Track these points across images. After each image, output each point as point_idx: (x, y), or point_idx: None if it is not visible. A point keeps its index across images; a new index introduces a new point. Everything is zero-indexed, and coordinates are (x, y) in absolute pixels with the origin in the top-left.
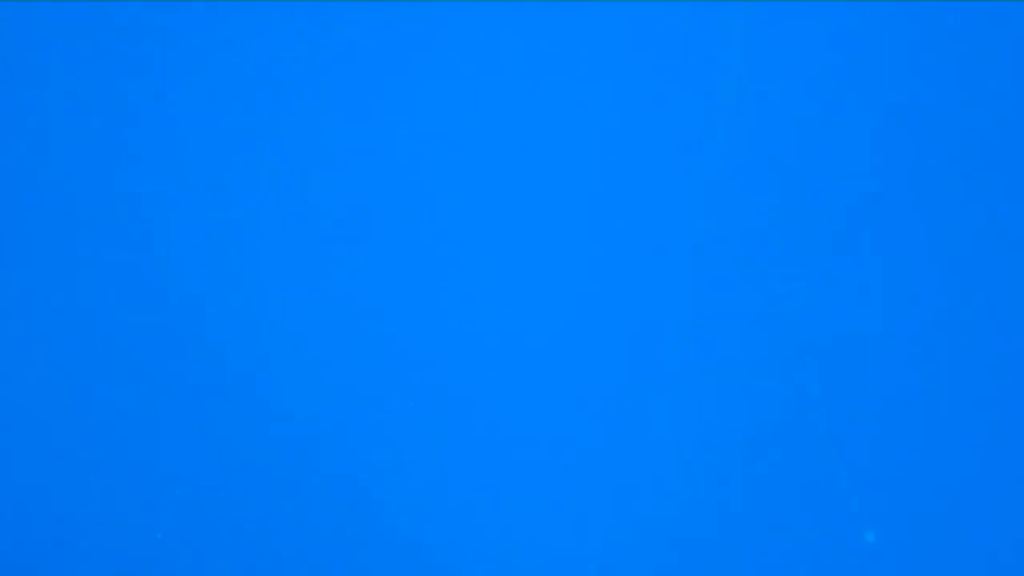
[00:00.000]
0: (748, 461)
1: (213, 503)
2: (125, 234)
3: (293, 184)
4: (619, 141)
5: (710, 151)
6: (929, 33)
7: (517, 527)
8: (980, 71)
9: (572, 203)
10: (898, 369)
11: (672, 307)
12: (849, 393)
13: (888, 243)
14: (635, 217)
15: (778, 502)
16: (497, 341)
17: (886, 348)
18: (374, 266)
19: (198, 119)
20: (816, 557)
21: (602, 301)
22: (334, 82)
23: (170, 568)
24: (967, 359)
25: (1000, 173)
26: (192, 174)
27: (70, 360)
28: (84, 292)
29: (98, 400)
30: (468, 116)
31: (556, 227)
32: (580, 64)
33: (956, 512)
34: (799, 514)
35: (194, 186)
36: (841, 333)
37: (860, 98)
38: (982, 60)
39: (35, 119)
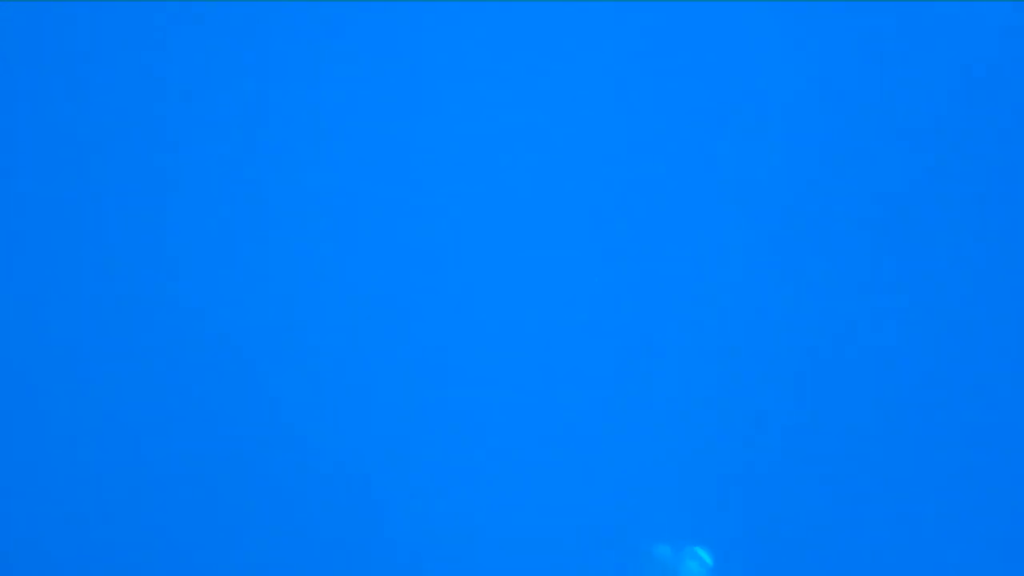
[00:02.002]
0: (748, 460)
1: (213, 503)
2: (125, 234)
3: (293, 186)
4: (620, 143)
5: (710, 153)
6: (931, 37)
7: (515, 526)
8: (981, 74)
9: (572, 205)
10: (897, 368)
11: (671, 308)
12: (846, 394)
13: (889, 244)
14: (634, 218)
15: (775, 501)
16: (498, 341)
17: (884, 347)
18: (374, 267)
19: (198, 119)
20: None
21: (601, 302)
22: (334, 84)
23: (171, 567)
24: (967, 359)
25: (1002, 177)
26: (192, 175)
27: (71, 361)
28: (84, 293)
29: (101, 399)
30: (470, 118)
31: (555, 229)
32: (581, 67)
33: (953, 509)
34: (796, 514)
35: (194, 187)
36: (840, 333)
37: (861, 102)
38: (983, 63)
39: (35, 120)
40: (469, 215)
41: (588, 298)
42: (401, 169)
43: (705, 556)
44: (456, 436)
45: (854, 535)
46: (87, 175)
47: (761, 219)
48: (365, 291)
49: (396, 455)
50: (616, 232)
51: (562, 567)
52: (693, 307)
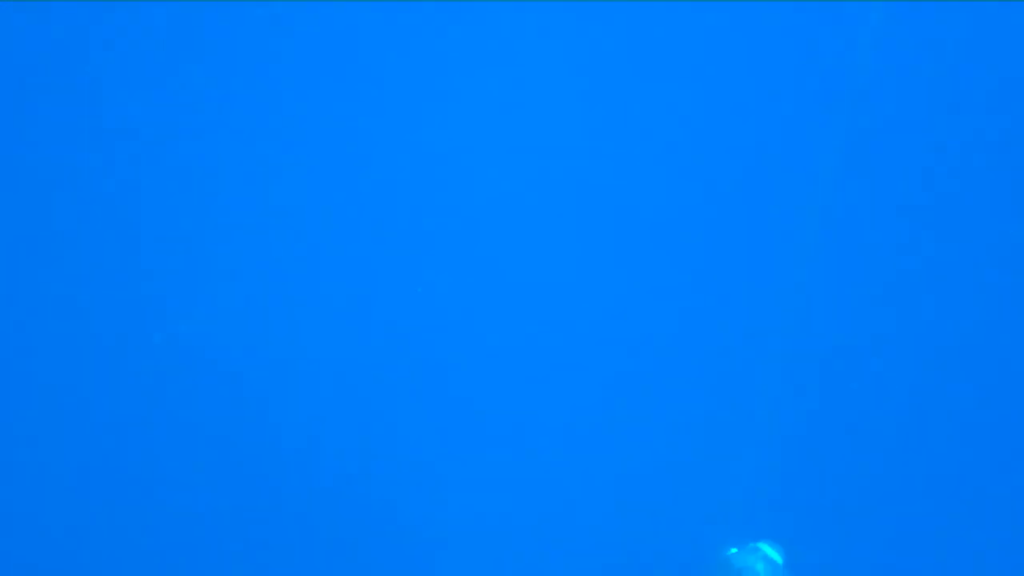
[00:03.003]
0: (819, 453)
1: (210, 506)
2: (121, 234)
3: (290, 187)
4: (619, 142)
5: (709, 152)
6: (930, 38)
7: (512, 527)
8: (982, 74)
9: (570, 204)
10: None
11: (726, 302)
12: (911, 386)
13: (889, 243)
14: (633, 218)
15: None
16: (497, 343)
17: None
18: (372, 268)
19: (193, 119)
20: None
21: (600, 303)
22: (331, 84)
23: (169, 568)
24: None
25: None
26: (187, 175)
27: (67, 365)
28: (79, 295)
29: (100, 403)
30: (468, 120)
31: (553, 230)
32: (581, 66)
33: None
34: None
35: (190, 187)
36: (835, 333)
37: (862, 102)
38: (982, 64)
39: (29, 119)
40: (470, 216)
41: (638, 294)
42: (401, 168)
43: (774, 554)
44: (507, 434)
45: (926, 529)
46: (77, 174)
47: (759, 220)
48: (367, 293)
49: (439, 466)
50: (659, 232)
51: (627, 566)
52: (749, 300)
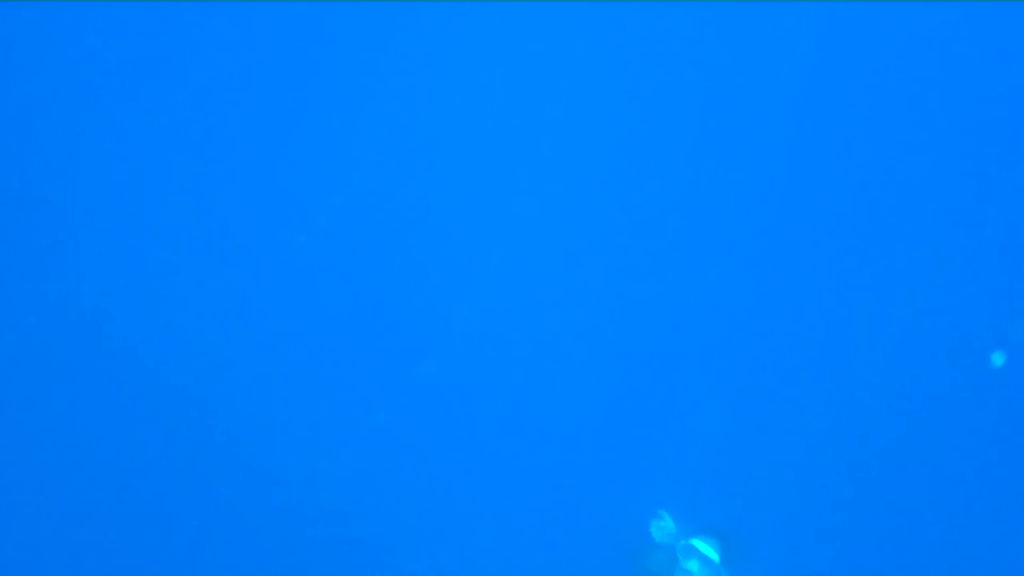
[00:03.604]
0: (761, 452)
1: (206, 507)
2: (120, 235)
3: (289, 188)
4: (618, 142)
5: (709, 151)
6: (929, 37)
7: (517, 519)
8: (981, 74)
9: (570, 205)
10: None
11: (680, 303)
12: (857, 388)
13: (888, 242)
14: (633, 217)
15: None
16: (495, 343)
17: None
18: (370, 269)
19: (192, 121)
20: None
21: (609, 297)
22: (331, 85)
23: (167, 568)
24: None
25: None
26: (186, 177)
27: (65, 367)
28: (76, 297)
29: (96, 405)
30: (468, 119)
31: (553, 230)
32: (581, 65)
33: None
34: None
35: (188, 189)
36: (849, 327)
37: (859, 100)
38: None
39: (30, 120)
40: (472, 218)
41: (596, 292)
42: (397, 169)
43: (710, 552)
44: (463, 429)
45: (867, 522)
46: (77, 175)
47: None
48: (355, 292)
49: (400, 452)
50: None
51: (564, 560)
52: (701, 302)
